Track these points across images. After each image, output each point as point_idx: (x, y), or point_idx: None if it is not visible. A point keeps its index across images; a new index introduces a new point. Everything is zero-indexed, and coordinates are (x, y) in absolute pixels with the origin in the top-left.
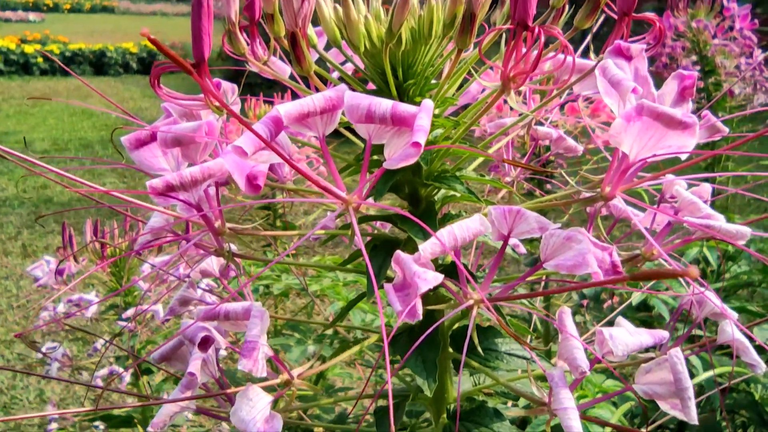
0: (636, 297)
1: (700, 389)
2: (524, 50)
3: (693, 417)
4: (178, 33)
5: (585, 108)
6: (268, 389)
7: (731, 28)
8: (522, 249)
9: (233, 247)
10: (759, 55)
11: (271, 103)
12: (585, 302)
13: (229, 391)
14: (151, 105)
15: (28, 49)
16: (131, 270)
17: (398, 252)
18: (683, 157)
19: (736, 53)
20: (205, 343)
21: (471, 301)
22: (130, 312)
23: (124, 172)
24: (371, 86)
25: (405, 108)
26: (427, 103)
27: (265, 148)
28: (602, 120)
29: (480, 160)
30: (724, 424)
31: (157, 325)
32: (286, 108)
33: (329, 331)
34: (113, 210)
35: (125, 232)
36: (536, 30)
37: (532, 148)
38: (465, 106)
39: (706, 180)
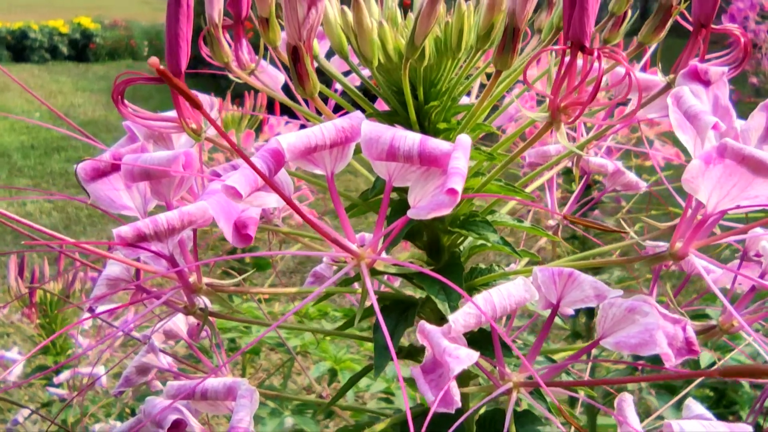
0: (706, 358)
1: None
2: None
3: None
4: (122, 8)
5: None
6: None
7: None
8: (569, 312)
9: (207, 303)
10: None
11: (241, 104)
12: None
13: None
14: (85, 101)
15: None
16: (65, 321)
17: (423, 323)
18: None
19: None
20: (176, 428)
21: (510, 384)
22: (64, 376)
23: (49, 187)
24: (382, 105)
25: (436, 144)
26: (464, 140)
27: (261, 188)
28: (662, 130)
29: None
30: None
31: (97, 393)
32: (289, 140)
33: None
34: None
35: (59, 273)
36: (594, 53)
37: (582, 185)
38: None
39: None
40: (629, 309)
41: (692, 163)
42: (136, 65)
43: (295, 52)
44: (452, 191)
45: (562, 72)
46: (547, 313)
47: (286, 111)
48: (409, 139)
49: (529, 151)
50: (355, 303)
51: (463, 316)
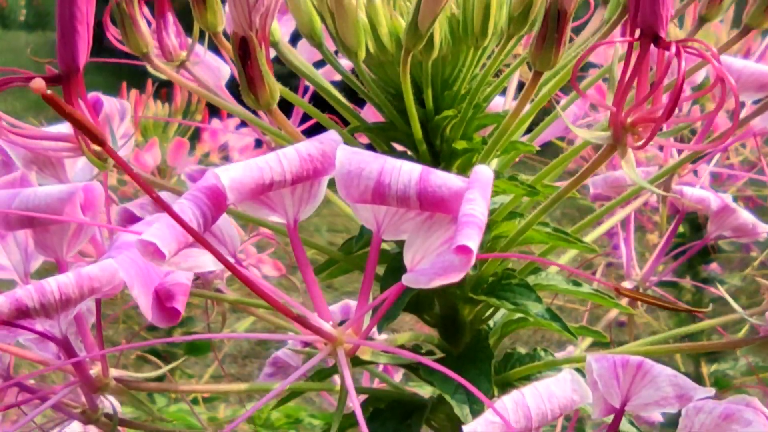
0: None
1: None
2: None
3: None
4: None
5: None
6: None
7: None
8: (655, 417)
9: (115, 405)
10: None
11: (166, 95)
12: None
13: None
14: None
15: None
16: None
17: None
18: None
19: None
20: None
21: None
22: None
23: None
24: (372, 113)
25: (443, 180)
26: (482, 173)
27: (193, 244)
28: None
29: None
30: None
31: None
32: (232, 174)
33: None
34: None
35: None
36: (674, 47)
37: (672, 229)
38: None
39: None
40: (724, 415)
41: None
42: (9, 37)
43: (244, 46)
44: (464, 249)
45: (628, 74)
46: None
47: None
48: (404, 172)
49: (594, 179)
50: (332, 402)
51: (484, 426)
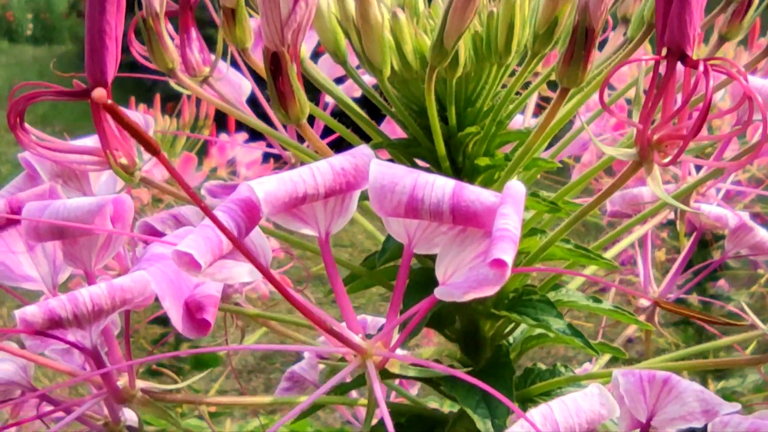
0: None
1: None
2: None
3: None
4: None
5: None
6: None
7: None
8: None
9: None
10: None
11: (172, 110)
12: None
13: None
14: None
15: None
16: None
17: None
18: None
19: None
20: None
21: None
22: None
23: None
24: (393, 127)
25: (476, 195)
26: (515, 189)
27: (227, 255)
28: None
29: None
30: None
31: None
32: (266, 187)
33: None
34: None
35: None
36: (702, 65)
37: (690, 245)
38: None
39: None
40: (752, 431)
41: None
42: (16, 51)
43: (275, 61)
44: (499, 263)
45: (655, 92)
46: None
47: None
48: (438, 187)
49: (611, 197)
50: (348, 417)
51: None
